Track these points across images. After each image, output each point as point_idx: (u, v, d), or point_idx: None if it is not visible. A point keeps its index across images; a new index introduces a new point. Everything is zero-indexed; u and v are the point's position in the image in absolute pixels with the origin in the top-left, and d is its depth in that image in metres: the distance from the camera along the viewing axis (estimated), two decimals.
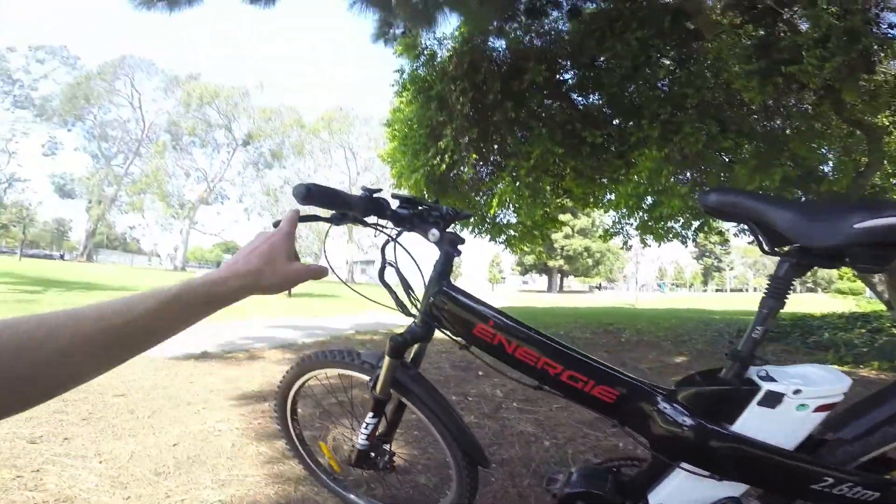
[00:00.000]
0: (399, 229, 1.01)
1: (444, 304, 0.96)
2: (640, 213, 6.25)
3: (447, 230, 0.98)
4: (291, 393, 1.30)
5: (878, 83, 3.84)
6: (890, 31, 3.41)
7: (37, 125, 33.49)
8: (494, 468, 1.64)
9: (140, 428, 1.90)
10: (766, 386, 0.82)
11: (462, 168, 5.28)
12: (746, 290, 57.64)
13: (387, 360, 1.03)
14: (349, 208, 0.89)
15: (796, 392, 0.81)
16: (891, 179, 5.64)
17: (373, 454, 1.16)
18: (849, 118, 4.27)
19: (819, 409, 0.83)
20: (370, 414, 1.11)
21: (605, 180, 5.63)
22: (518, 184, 4.92)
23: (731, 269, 63.23)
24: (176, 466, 1.55)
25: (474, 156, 5.13)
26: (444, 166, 4.80)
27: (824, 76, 3.10)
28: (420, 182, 5.06)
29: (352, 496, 1.33)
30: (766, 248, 0.83)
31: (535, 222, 6.05)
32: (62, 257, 41.92)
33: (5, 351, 0.32)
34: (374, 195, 0.94)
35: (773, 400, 0.82)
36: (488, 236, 6.54)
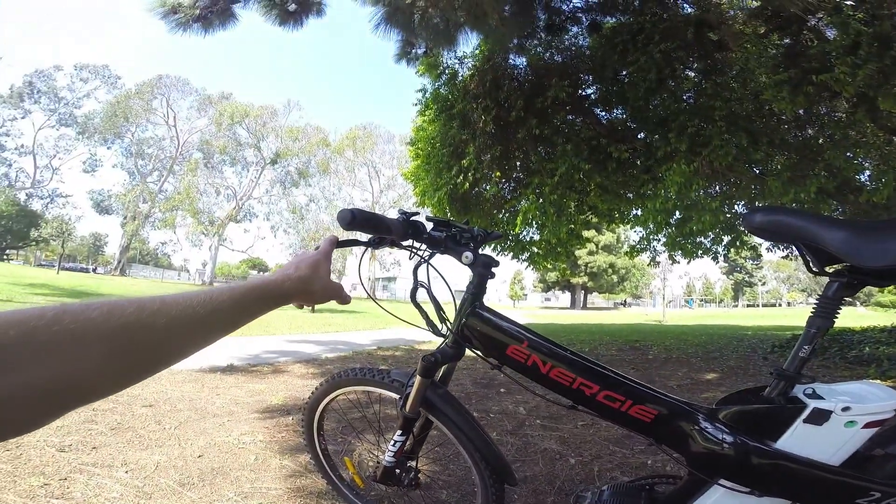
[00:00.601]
0: (432, 251, 1.02)
1: (477, 325, 0.97)
2: (669, 229, 6.08)
3: (480, 252, 0.99)
4: (320, 409, 1.30)
5: None
6: None
7: (79, 142, 35.25)
8: (518, 486, 1.59)
9: (166, 439, 1.93)
10: (812, 403, 0.80)
11: (485, 186, 5.29)
12: (779, 305, 55.38)
13: (418, 379, 1.03)
14: (389, 233, 0.91)
15: (845, 409, 0.79)
16: None
17: (398, 471, 1.14)
18: (885, 126, 4.10)
19: (868, 425, 0.80)
20: (398, 432, 1.11)
21: (631, 195, 5.52)
22: (542, 201, 4.89)
23: (763, 283, 60.89)
24: (200, 478, 1.56)
25: (497, 173, 5.13)
26: (467, 184, 4.82)
27: (857, 84, 3.01)
28: (443, 200, 5.07)
29: None
30: (814, 268, 0.81)
31: (559, 239, 5.97)
32: (94, 270, 43.56)
33: (126, 326, 0.37)
34: (412, 218, 0.96)
35: (820, 417, 0.80)
36: (511, 254, 6.48)
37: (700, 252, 6.31)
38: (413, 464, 1.18)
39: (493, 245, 6.35)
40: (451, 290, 1.06)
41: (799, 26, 3.59)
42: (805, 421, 0.81)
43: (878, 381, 0.84)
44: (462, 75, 5.23)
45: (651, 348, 6.00)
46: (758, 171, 4.67)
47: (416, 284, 1.06)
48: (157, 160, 36.87)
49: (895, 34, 2.99)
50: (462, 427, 1.06)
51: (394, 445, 1.12)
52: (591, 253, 40.45)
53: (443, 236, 0.99)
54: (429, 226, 1.01)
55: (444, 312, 1.06)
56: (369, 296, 1.18)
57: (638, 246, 7.20)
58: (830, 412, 0.80)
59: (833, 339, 5.58)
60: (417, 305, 1.07)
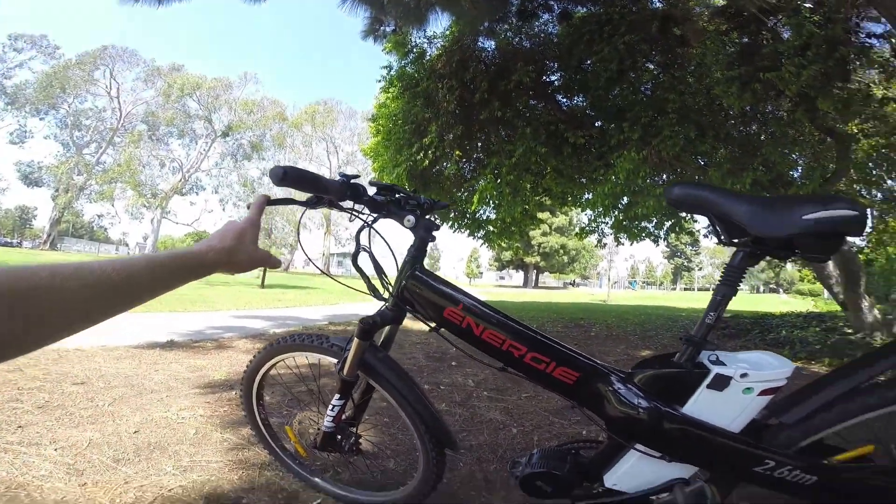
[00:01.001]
0: (375, 215, 1.02)
1: (416, 287, 0.98)
2: (616, 213, 6.39)
3: (424, 217, 1.00)
4: (258, 378, 1.28)
5: (851, 92, 4.01)
6: (868, 39, 3.55)
7: (7, 113, 31.90)
8: (463, 454, 1.66)
9: (99, 416, 1.84)
10: (715, 369, 0.86)
11: (445, 164, 5.31)
12: (711, 289, 59.87)
13: (356, 341, 1.03)
14: (325, 192, 0.90)
15: (743, 376, 0.85)
16: (854, 185, 5.91)
17: (339, 437, 1.15)
18: (821, 125, 4.43)
19: (763, 392, 0.86)
20: (337, 396, 1.10)
21: (584, 180, 5.73)
22: (499, 181, 4.98)
23: (700, 269, 65.32)
24: (136, 453, 1.51)
25: (458, 153, 5.16)
26: (427, 162, 4.82)
27: (801, 83, 3.18)
28: (402, 176, 5.06)
29: (317, 480, 1.32)
30: (723, 238, 0.87)
31: (513, 219, 6.18)
32: (20, 244, 39.86)
33: (29, 292, 0.37)
34: (352, 181, 0.95)
35: (721, 383, 0.85)
36: (467, 231, 6.65)
37: (644, 235, 6.68)
38: (354, 430, 1.18)
39: (450, 222, 6.57)
40: (394, 255, 1.06)
41: (758, 26, 3.75)
42: (708, 386, 0.86)
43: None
44: (430, 55, 5.18)
45: (594, 326, 6.33)
46: (702, 163, 4.94)
47: (358, 249, 1.07)
48: (96, 132, 34.08)
49: (845, 37, 3.18)
50: (402, 391, 1.07)
51: (332, 410, 1.11)
52: (544, 234, 41.59)
53: (385, 200, 1.00)
54: (372, 190, 1.01)
55: (386, 276, 1.06)
56: (308, 257, 1.18)
57: (587, 228, 7.52)
58: (730, 378, 0.85)
59: (755, 323, 6.13)
60: (359, 270, 1.07)
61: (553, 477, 0.97)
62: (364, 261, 1.08)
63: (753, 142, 4.63)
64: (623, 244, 7.04)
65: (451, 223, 6.59)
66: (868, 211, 6.13)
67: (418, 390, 1.10)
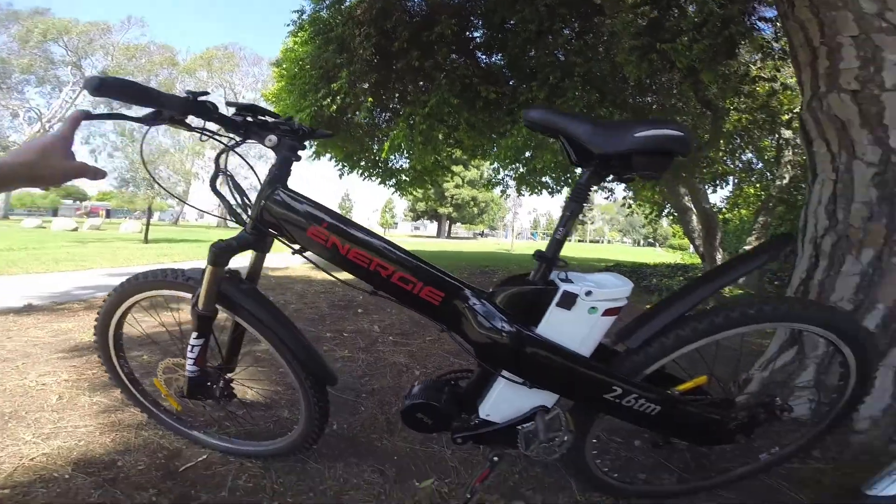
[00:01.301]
0: (232, 136, 0.95)
1: (277, 208, 0.93)
2: (518, 166, 6.68)
3: (292, 138, 0.95)
4: (112, 326, 1.15)
5: (733, 69, 4.48)
6: (758, 22, 3.90)
7: None
8: (365, 397, 1.67)
9: None
10: (563, 286, 0.88)
11: (358, 113, 5.13)
12: (601, 242, 66.48)
13: (209, 269, 0.95)
14: (160, 106, 0.82)
15: (588, 293, 0.87)
16: (720, 153, 6.72)
17: (207, 382, 1.08)
18: (703, 98, 4.94)
19: (607, 313, 0.89)
20: (194, 335, 1.02)
21: (494, 135, 5.85)
22: (413, 130, 4.87)
23: (592, 223, 71.76)
24: None
25: (370, 100, 4.99)
26: (334, 107, 4.60)
27: (692, 57, 3.45)
28: (305, 122, 4.79)
29: (197, 434, 1.25)
30: (573, 159, 0.90)
31: (425, 168, 6.26)
32: None
33: None
34: (200, 98, 0.87)
35: (568, 301, 0.88)
36: (379, 179, 6.65)
37: (541, 188, 7.16)
38: (226, 374, 1.12)
39: (360, 171, 6.46)
40: (258, 179, 0.99)
41: (668, 1, 3.86)
42: (557, 304, 0.88)
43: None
44: (350, 1, 4.81)
45: (497, 272, 6.74)
46: None
47: (217, 172, 1.00)
48: None
49: (738, 18, 3.43)
50: (269, 325, 1.00)
51: (192, 352, 1.02)
52: (457, 186, 42.35)
53: (243, 120, 0.93)
54: (230, 110, 0.94)
55: (248, 199, 1.00)
56: (172, 194, 1.15)
57: (493, 180, 7.86)
58: (576, 296, 0.87)
59: (633, 272, 6.97)
60: (219, 194, 1.01)
61: (432, 409, 0.97)
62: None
63: (645, 110, 5.05)
64: (524, 195, 7.46)
65: (361, 171, 6.47)
66: (735, 180, 7.16)
67: (288, 323, 1.04)
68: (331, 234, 0.91)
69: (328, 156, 6.17)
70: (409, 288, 0.91)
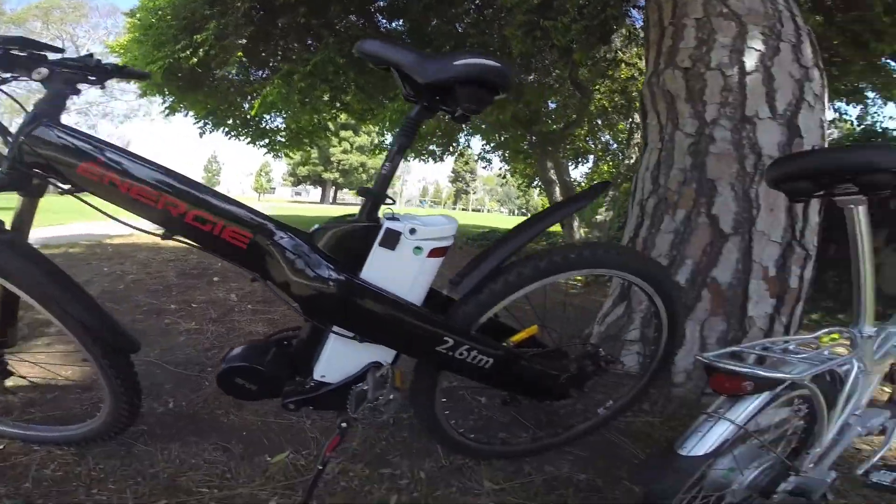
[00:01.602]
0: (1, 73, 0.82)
1: (39, 143, 0.80)
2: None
3: (63, 69, 0.83)
4: None
5: (603, 53, 4.84)
6: (631, 9, 4.17)
7: None
8: (211, 371, 1.51)
9: None
10: (386, 224, 0.82)
11: (230, 70, 4.80)
12: (482, 211, 70.55)
13: None
14: None
15: (412, 231, 0.82)
16: (583, 132, 7.40)
17: None
18: (573, 78, 5.32)
19: (434, 253, 0.84)
20: None
21: (385, 99, 5.75)
22: (290, 88, 4.58)
23: (474, 193, 75.26)
24: None
25: (240, 54, 4.63)
26: (195, 59, 4.14)
27: (569, 37, 3.62)
28: (157, 75, 4.28)
29: None
30: (405, 93, 0.88)
31: (302, 128, 6.02)
32: None
33: None
34: None
35: (392, 239, 0.81)
36: (248, 139, 6.25)
37: (426, 155, 7.25)
38: (5, 351, 0.96)
39: (227, 129, 5.96)
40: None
41: None
42: (381, 244, 0.81)
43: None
44: None
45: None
46: None
47: None
48: None
49: (616, 2, 3.61)
50: (39, 283, 0.84)
51: None
52: (345, 151, 40.94)
53: (4, 52, 0.80)
54: None
55: (10, 137, 0.83)
56: None
57: (380, 145, 7.79)
58: (400, 234, 0.81)
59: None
60: None
61: (255, 373, 0.86)
62: None
63: (525, 87, 5.40)
64: (409, 161, 7.54)
65: (227, 130, 5.99)
66: (594, 158, 7.96)
67: (69, 283, 0.88)
68: (106, 171, 0.78)
69: (185, 112, 5.53)
70: (207, 229, 0.79)
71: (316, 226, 0.86)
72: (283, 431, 1.20)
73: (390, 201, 0.87)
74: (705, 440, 0.65)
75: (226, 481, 1.00)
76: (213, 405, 1.30)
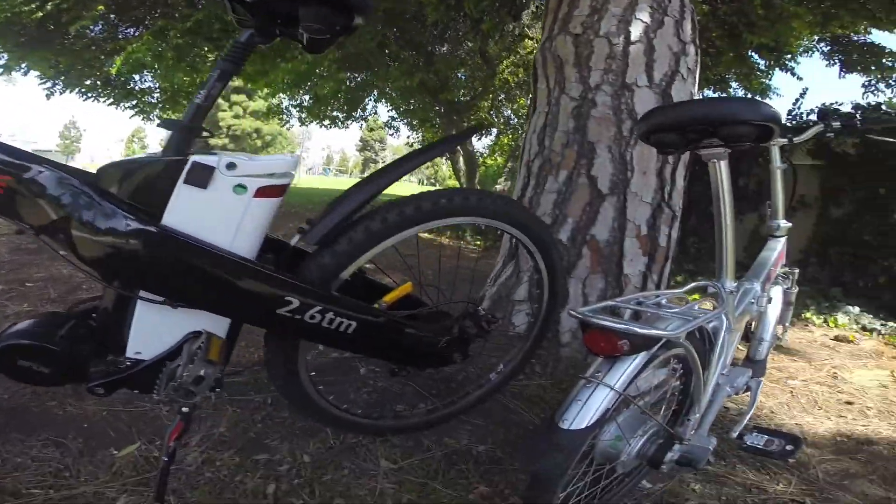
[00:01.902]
0: None
1: None
2: (301, 95, 6.47)
3: None
4: None
5: (511, 28, 4.87)
6: None
7: None
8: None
9: None
10: (193, 157, 0.65)
11: (87, 25, 4.18)
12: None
13: None
14: None
15: (230, 166, 0.66)
16: (486, 103, 7.53)
17: None
18: (482, 50, 5.35)
19: (262, 193, 0.69)
20: None
21: (280, 60, 5.30)
22: (164, 45, 4.13)
23: (383, 162, 73.91)
24: None
25: (100, 7, 4.08)
26: (39, 14, 3.65)
27: (480, 10, 3.54)
28: None
29: None
30: (233, 17, 0.74)
31: (179, 87, 5.59)
32: None
33: None
34: None
35: (202, 176, 0.65)
36: (110, 100, 5.70)
37: (329, 121, 6.92)
38: None
39: (83, 91, 5.36)
40: None
41: None
42: (186, 182, 0.65)
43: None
44: None
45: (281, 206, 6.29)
46: (389, 62, 5.41)
47: None
48: None
49: None
50: None
51: None
52: (236, 116, 37.21)
53: None
54: None
55: None
56: None
57: (274, 109, 7.38)
58: (213, 169, 0.65)
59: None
60: None
61: (44, 352, 0.67)
62: None
63: (436, 57, 5.41)
64: (306, 125, 7.15)
65: (84, 91, 5.33)
66: (496, 132, 8.20)
67: None
68: None
69: (26, 70, 4.72)
70: None
71: (102, 165, 0.69)
72: (135, 421, 1.06)
73: (207, 134, 0.72)
74: (586, 410, 0.61)
75: (63, 480, 0.87)
76: (45, 397, 1.12)
